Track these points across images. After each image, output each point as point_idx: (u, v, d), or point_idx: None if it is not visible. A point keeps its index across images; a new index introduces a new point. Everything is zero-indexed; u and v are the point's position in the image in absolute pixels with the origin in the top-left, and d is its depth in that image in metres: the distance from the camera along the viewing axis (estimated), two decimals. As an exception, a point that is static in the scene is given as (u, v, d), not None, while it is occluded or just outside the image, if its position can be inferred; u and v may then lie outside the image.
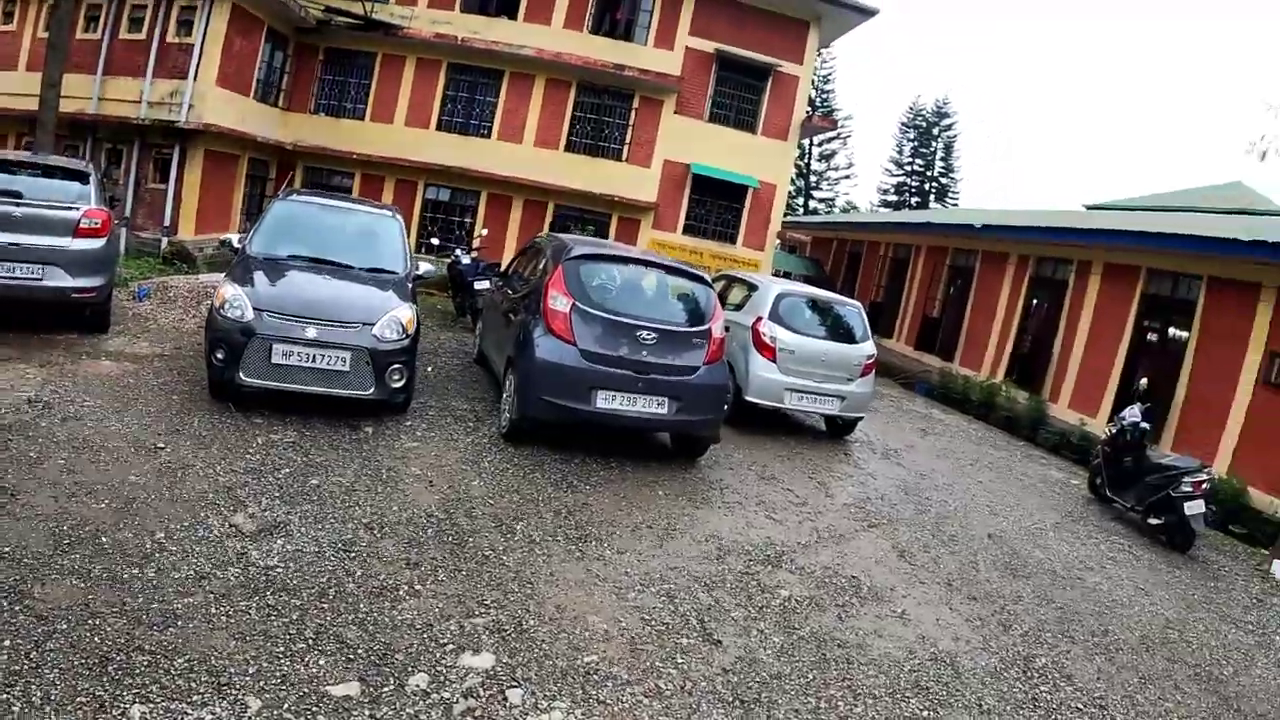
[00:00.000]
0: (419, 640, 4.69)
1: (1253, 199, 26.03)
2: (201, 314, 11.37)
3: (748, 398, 10.97)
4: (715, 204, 23.25)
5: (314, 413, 8.23)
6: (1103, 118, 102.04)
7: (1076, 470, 13.56)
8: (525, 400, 8.20)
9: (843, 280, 29.33)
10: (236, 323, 7.67)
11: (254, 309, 7.76)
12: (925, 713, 5.04)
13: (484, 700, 4.27)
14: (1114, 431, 11.12)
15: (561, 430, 8.75)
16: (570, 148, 22.70)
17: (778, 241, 26.12)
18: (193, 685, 3.94)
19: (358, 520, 6.10)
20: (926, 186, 61.70)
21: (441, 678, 4.39)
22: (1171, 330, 15.01)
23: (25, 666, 3.84)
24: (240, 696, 3.93)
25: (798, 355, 10.96)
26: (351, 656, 4.40)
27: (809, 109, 24.34)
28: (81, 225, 9.23)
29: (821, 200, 61.39)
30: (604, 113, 22.81)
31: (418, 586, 5.30)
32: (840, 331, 11.61)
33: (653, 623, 5.43)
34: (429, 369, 11.12)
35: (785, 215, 26.59)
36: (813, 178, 60.33)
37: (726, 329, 9.33)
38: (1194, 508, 9.57)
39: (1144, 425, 10.88)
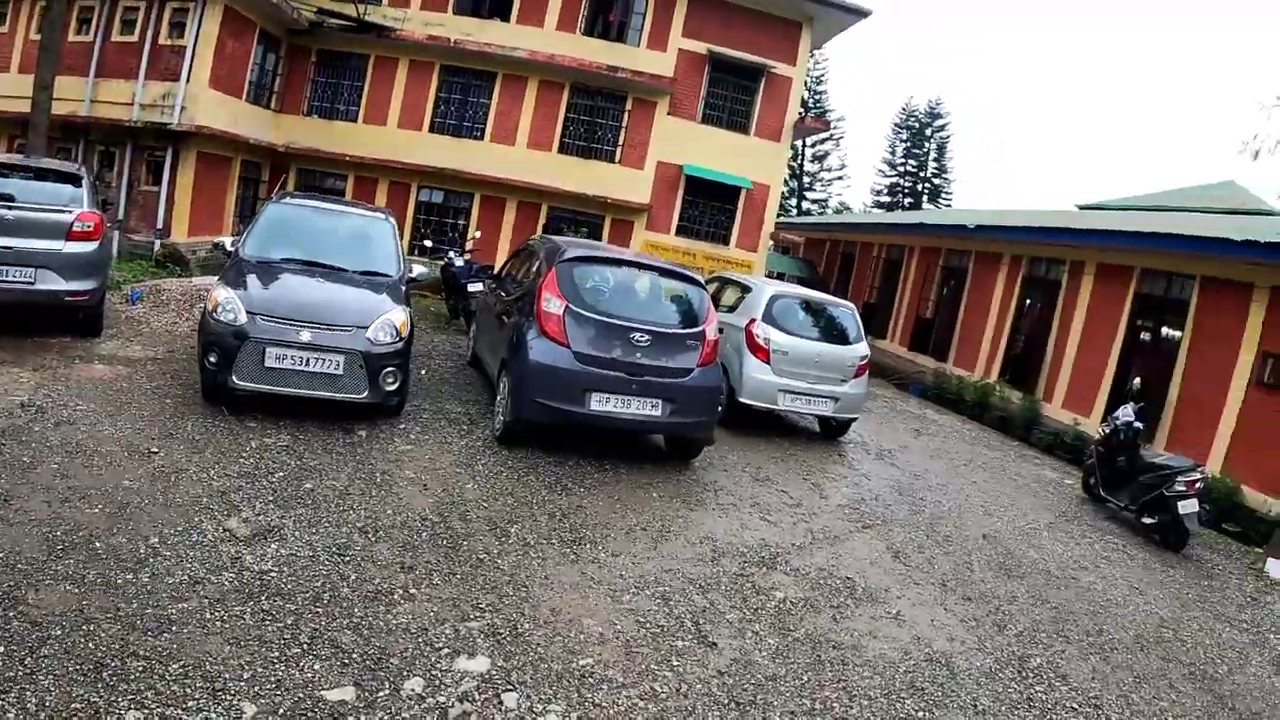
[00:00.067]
0: (414, 644, 4.68)
1: (1245, 199, 26.10)
2: (194, 317, 11.35)
3: (741, 399, 10.98)
4: (708, 205, 23.28)
5: (307, 416, 8.22)
6: (1095, 118, 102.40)
7: (1070, 470, 13.58)
8: (519, 403, 8.19)
9: (836, 281, 29.36)
10: (230, 326, 7.65)
11: (247, 312, 7.74)
12: (920, 713, 5.04)
13: (479, 704, 4.26)
14: (1108, 431, 11.13)
15: (555, 432, 8.75)
16: (563, 149, 22.73)
17: (771, 243, 26.10)
18: (188, 691, 3.93)
19: (352, 524, 6.09)
20: (919, 187, 61.81)
21: (437, 681, 4.38)
22: (1165, 330, 15.04)
23: (19, 673, 3.82)
24: (235, 702, 3.92)
25: (791, 357, 10.97)
26: (346, 661, 4.40)
27: (802, 110, 24.40)
28: (74, 228, 9.20)
29: (815, 201, 61.50)
30: (597, 114, 22.83)
31: (412, 590, 5.29)
32: (834, 333, 11.62)
33: (648, 625, 5.43)
34: (423, 372, 11.11)
35: (778, 216, 26.62)
36: (806, 179, 60.41)
37: (720, 331, 9.33)
38: (1188, 507, 9.59)
39: (1137, 425, 10.90)
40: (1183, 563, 9.50)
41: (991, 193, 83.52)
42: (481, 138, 22.55)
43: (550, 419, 8.22)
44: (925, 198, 61.52)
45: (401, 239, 10.23)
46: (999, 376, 18.58)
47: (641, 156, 22.74)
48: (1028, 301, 19.03)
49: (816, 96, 57.90)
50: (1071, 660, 6.25)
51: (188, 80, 17.81)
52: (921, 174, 61.97)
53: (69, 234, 9.17)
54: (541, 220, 22.77)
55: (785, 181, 35.59)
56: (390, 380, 8.20)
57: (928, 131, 61.70)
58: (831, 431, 12.23)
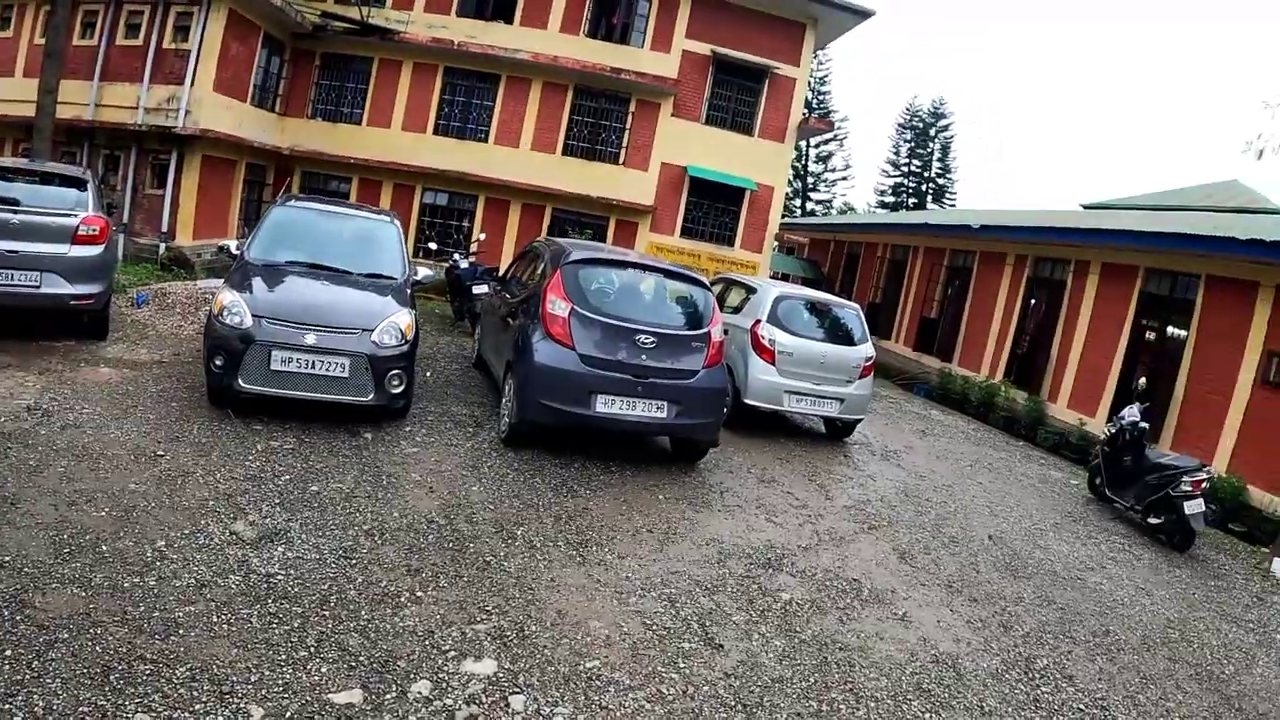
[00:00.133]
0: (421, 647, 4.68)
1: (1250, 197, 26.03)
2: (200, 320, 11.37)
3: (747, 400, 10.97)
4: (712, 206, 23.25)
5: (313, 419, 8.23)
6: (1097, 117, 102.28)
7: (1076, 470, 13.57)
8: (524, 405, 8.19)
9: (840, 282, 29.36)
10: (235, 329, 7.66)
11: (253, 315, 7.75)
12: (927, 715, 5.03)
13: (486, 706, 4.27)
14: (1113, 431, 11.12)
15: (561, 434, 8.76)
16: (567, 151, 22.68)
17: (775, 243, 26.12)
18: (195, 694, 3.93)
19: (358, 527, 6.09)
20: (924, 187, 61.81)
21: (444, 684, 4.38)
22: (1170, 329, 15.03)
23: (27, 676, 3.83)
24: (243, 705, 3.92)
25: (796, 358, 10.96)
26: (354, 664, 4.40)
27: (806, 111, 24.32)
28: (79, 232, 9.22)
29: (819, 202, 61.48)
30: (601, 116, 22.80)
31: (419, 593, 5.30)
32: (839, 333, 11.62)
33: (654, 627, 5.43)
34: (428, 374, 11.12)
35: (783, 217, 26.57)
36: (810, 179, 60.40)
37: (725, 332, 9.33)
38: (1193, 507, 9.57)
39: (1143, 425, 10.88)
40: (1189, 563, 9.49)
41: (991, 192, 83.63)
42: (486, 140, 22.53)
43: (556, 421, 8.22)
44: (929, 198, 61.50)
45: (406, 241, 10.22)
46: (1004, 377, 18.58)
47: (645, 158, 22.71)
48: (1032, 301, 19.01)
49: (820, 97, 57.90)
50: (1078, 661, 6.25)
51: (192, 84, 17.80)
52: (926, 174, 61.96)
53: (74, 238, 9.18)
54: (546, 222, 22.74)
55: (789, 182, 35.64)
56: (396, 383, 8.20)
57: (932, 131, 61.71)
58: (837, 432, 12.23)
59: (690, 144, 22.64)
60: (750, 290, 12.10)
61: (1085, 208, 29.83)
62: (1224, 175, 36.78)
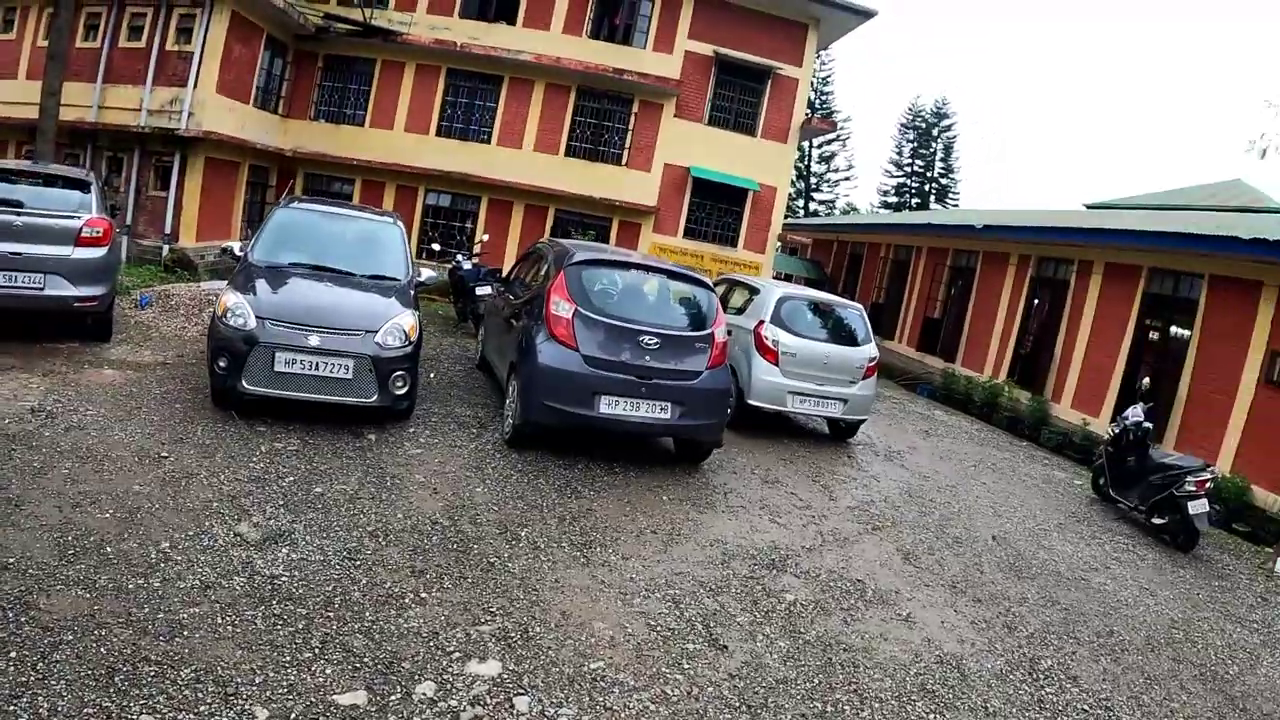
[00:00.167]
0: (425, 648, 4.68)
1: (1253, 197, 25.96)
2: (203, 322, 11.39)
3: (750, 401, 10.97)
4: (715, 207, 23.25)
5: (317, 420, 8.23)
6: (1100, 117, 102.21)
7: (1080, 470, 13.56)
8: (528, 406, 8.19)
9: (843, 282, 29.34)
10: (239, 331, 7.67)
11: (256, 317, 7.76)
12: (932, 716, 5.03)
13: (491, 708, 4.27)
14: (1117, 431, 11.11)
15: (565, 435, 8.76)
16: (570, 152, 22.70)
17: (778, 244, 26.11)
18: (200, 695, 3.94)
19: (362, 528, 6.10)
20: (926, 187, 61.77)
21: (448, 686, 4.38)
22: (1173, 329, 15.01)
23: (32, 678, 3.83)
24: (247, 706, 3.92)
25: (800, 358, 10.96)
26: (358, 665, 4.40)
27: (808, 111, 24.39)
28: (83, 234, 9.23)
29: (822, 202, 61.49)
30: (604, 117, 22.81)
31: (423, 594, 5.30)
32: (842, 334, 11.62)
33: (658, 628, 5.43)
34: (431, 375, 11.13)
35: (785, 217, 26.56)
36: (813, 180, 60.44)
37: (729, 333, 9.33)
38: (1197, 507, 9.56)
39: (1146, 424, 10.88)
40: (1193, 563, 9.48)
41: (994, 192, 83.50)
42: (488, 141, 22.55)
43: (560, 422, 8.22)
44: (932, 198, 61.46)
45: (409, 243, 10.23)
46: (1007, 377, 18.56)
47: (648, 159, 22.72)
48: (1036, 301, 18.99)
49: (823, 97, 57.92)
50: (1082, 662, 6.24)
51: (195, 86, 17.83)
52: (929, 174, 61.92)
53: (78, 240, 9.19)
54: (549, 223, 22.75)
55: (792, 183, 35.61)
56: (399, 384, 8.21)
57: (934, 131, 61.68)
58: (840, 433, 12.23)
59: (693, 145, 22.66)
60: (753, 291, 12.10)
61: (1088, 207, 29.81)
62: (1227, 175, 36.71)
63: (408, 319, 8.38)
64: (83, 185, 9.83)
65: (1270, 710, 6.12)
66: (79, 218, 9.29)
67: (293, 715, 3.93)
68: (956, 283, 22.28)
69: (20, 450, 6.36)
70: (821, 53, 40.35)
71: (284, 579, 5.15)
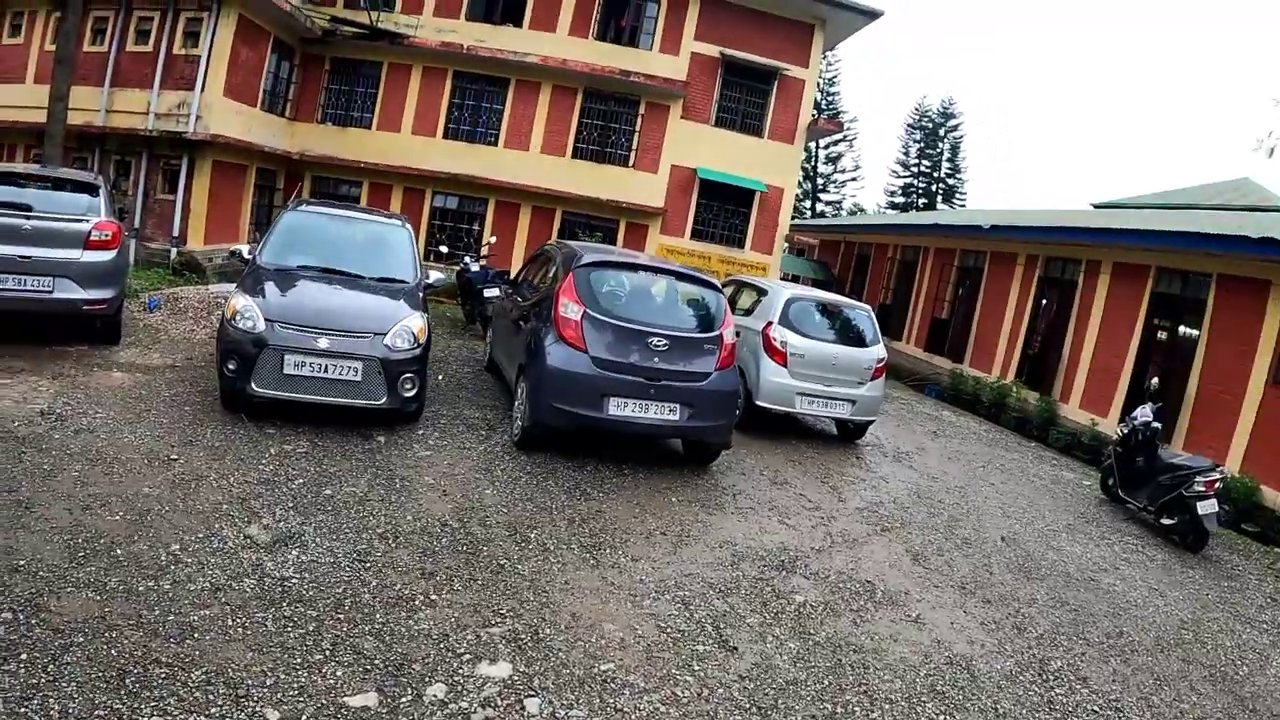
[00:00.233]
0: (436, 650, 4.69)
1: (1261, 196, 25.92)
2: (212, 324, 11.40)
3: (758, 402, 10.97)
4: (722, 208, 23.22)
5: (326, 423, 8.25)
6: (1106, 116, 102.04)
7: (1088, 471, 13.54)
8: (537, 407, 8.20)
9: (851, 283, 29.30)
10: (248, 334, 7.69)
11: (265, 320, 7.78)
12: (942, 717, 5.02)
13: (502, 710, 4.27)
14: (1125, 431, 11.08)
15: (574, 437, 8.76)
16: (577, 154, 22.70)
17: (786, 245, 26.10)
18: (210, 697, 3.94)
19: (372, 530, 6.10)
20: (933, 188, 61.63)
21: (459, 688, 4.39)
22: (1181, 329, 14.97)
23: (43, 680, 3.84)
24: (258, 709, 3.93)
25: (808, 359, 10.96)
26: (369, 667, 4.41)
27: (815, 112, 24.32)
28: (92, 237, 9.25)
29: (829, 203, 61.41)
30: (610, 119, 22.81)
31: (433, 596, 5.30)
32: (850, 335, 11.61)
33: (669, 630, 5.43)
34: (440, 377, 11.14)
35: (792, 218, 26.54)
36: (819, 180, 60.33)
37: (737, 334, 9.33)
38: (1207, 507, 9.53)
39: (1155, 425, 10.85)
40: (1202, 563, 9.46)
41: (1000, 192, 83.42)
42: (495, 143, 22.56)
43: (569, 424, 8.23)
44: (939, 198, 61.34)
45: (417, 245, 10.24)
46: (1015, 377, 18.52)
47: (655, 160, 22.71)
48: (1044, 301, 18.94)
49: (829, 98, 57.85)
50: (1092, 663, 6.23)
51: (202, 89, 17.86)
52: (935, 174, 61.80)
53: (87, 243, 9.22)
54: (556, 225, 22.76)
55: (799, 184, 35.53)
56: (408, 386, 8.22)
57: (941, 131, 61.54)
58: (849, 434, 12.23)
59: (700, 146, 22.63)
60: (761, 292, 12.10)
61: (1095, 207, 29.76)
62: (1234, 173, 36.59)
63: (416, 321, 8.39)
64: (91, 188, 9.86)
65: (1281, 711, 6.11)
66: (88, 221, 9.32)
67: (304, 717, 3.93)
68: (964, 283, 22.23)
69: (30, 453, 6.38)
70: (828, 53, 40.30)
71: (294, 581, 5.16)
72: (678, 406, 8.39)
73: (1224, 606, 8.12)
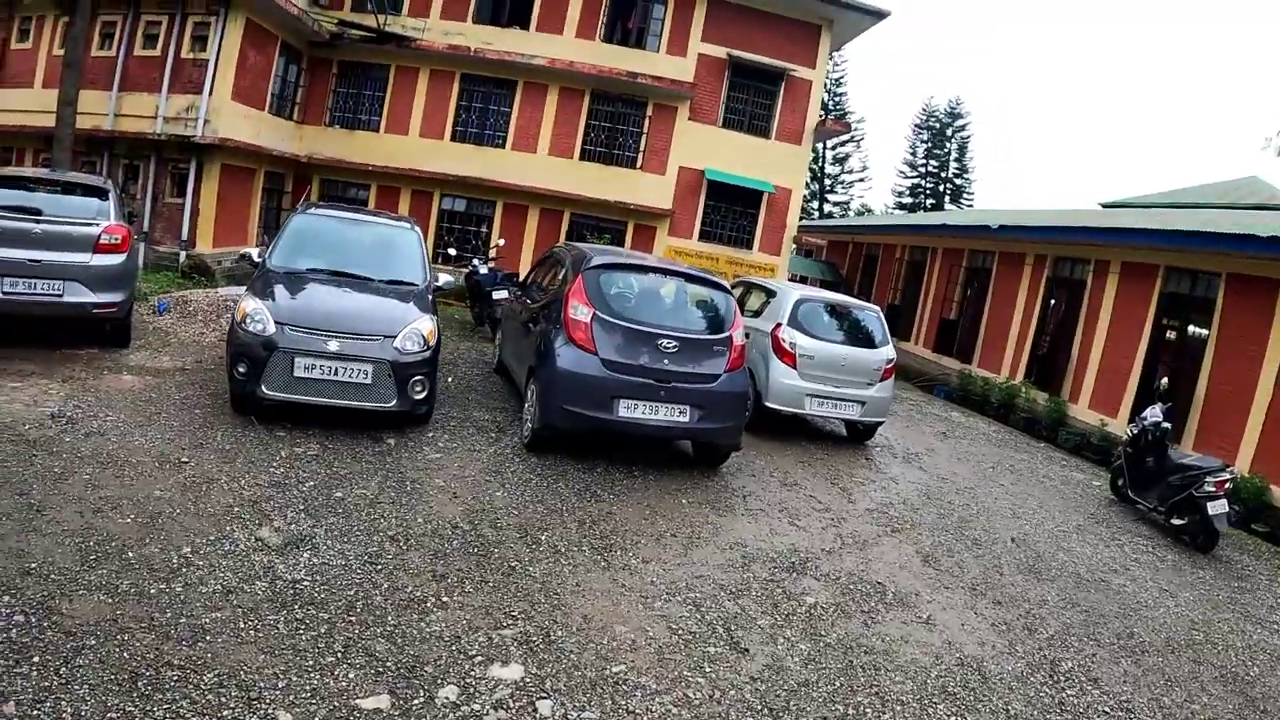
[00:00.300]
0: (448, 652, 4.69)
1: (1269, 194, 25.85)
2: (221, 327, 11.44)
3: (768, 404, 10.96)
4: (730, 210, 23.23)
5: (336, 425, 8.26)
6: (1114, 115, 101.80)
7: (1098, 471, 13.50)
8: (547, 410, 8.21)
9: (859, 283, 29.26)
10: (258, 336, 7.70)
11: (275, 323, 7.79)
12: (953, 718, 5.02)
13: (514, 712, 4.27)
14: (1135, 432, 11.06)
15: (583, 439, 8.76)
16: (585, 156, 22.73)
17: (794, 246, 26.08)
18: (223, 700, 3.95)
19: (383, 532, 6.11)
20: (941, 188, 61.65)
21: (471, 689, 4.39)
22: (1191, 329, 14.92)
23: (55, 683, 3.85)
24: (270, 711, 3.94)
25: (817, 361, 10.95)
26: (381, 669, 4.41)
27: (822, 113, 24.30)
28: (101, 241, 9.28)
29: (836, 204, 61.41)
30: (618, 120, 22.83)
31: (445, 598, 5.31)
32: (859, 336, 11.60)
33: (680, 631, 5.43)
34: (449, 379, 11.15)
35: (800, 219, 26.49)
36: (827, 181, 60.37)
37: (746, 335, 9.32)
38: (1217, 507, 9.51)
39: (1165, 425, 10.83)
40: (1212, 564, 9.43)
41: (1000, 192, 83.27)
42: (503, 146, 22.60)
43: (578, 426, 8.23)
44: (947, 198, 61.33)
45: (425, 247, 10.25)
46: (1024, 378, 18.47)
47: (663, 162, 22.72)
48: (1052, 301, 18.88)
49: (836, 99, 57.87)
50: (1103, 663, 6.21)
51: (210, 93, 17.90)
52: (943, 174, 61.81)
53: (96, 246, 9.25)
54: (564, 227, 22.77)
55: (807, 184, 35.54)
56: (418, 388, 8.23)
57: (948, 131, 61.57)
58: (858, 435, 12.22)
59: (707, 147, 22.64)
60: (770, 293, 12.10)
61: (1104, 206, 29.70)
62: (1242, 172, 36.50)
63: (426, 324, 8.40)
64: (101, 192, 9.87)
65: (1294, 712, 6.08)
66: (97, 225, 9.34)
67: (316, 719, 3.94)
68: (972, 283, 22.19)
69: (41, 456, 6.39)
70: (835, 54, 40.28)
71: (306, 583, 5.16)
72: (688, 408, 8.39)
73: (1234, 607, 8.10)
